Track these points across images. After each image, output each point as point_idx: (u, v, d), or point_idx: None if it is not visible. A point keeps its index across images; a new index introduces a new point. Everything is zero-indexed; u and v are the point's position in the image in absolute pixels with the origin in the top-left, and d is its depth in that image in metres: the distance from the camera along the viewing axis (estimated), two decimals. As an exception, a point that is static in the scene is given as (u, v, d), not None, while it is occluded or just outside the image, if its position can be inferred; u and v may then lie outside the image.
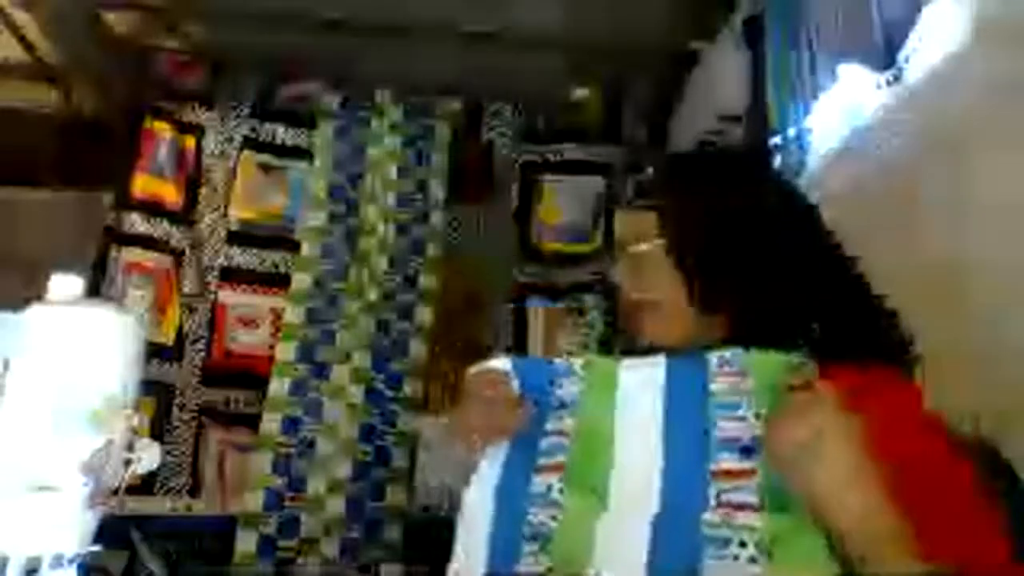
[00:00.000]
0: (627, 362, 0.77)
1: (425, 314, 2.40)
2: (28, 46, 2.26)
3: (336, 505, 2.15)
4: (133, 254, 2.35)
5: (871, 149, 1.45)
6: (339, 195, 2.47)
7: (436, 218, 2.50)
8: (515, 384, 0.79)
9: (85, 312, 0.64)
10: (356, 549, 2.13)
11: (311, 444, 2.19)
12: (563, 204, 2.56)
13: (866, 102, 1.48)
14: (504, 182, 2.57)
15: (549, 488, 0.72)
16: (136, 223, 2.36)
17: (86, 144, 2.54)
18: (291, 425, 2.20)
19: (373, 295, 2.38)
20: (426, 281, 2.43)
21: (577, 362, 0.80)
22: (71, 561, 0.59)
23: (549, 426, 0.76)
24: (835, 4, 1.57)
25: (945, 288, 1.17)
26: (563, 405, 0.77)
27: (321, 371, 2.27)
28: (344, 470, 2.19)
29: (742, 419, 0.68)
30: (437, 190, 2.52)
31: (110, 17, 2.34)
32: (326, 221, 2.44)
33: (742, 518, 0.63)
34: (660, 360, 0.75)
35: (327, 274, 2.38)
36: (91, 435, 0.60)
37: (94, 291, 2.17)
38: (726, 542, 0.62)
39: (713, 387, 0.71)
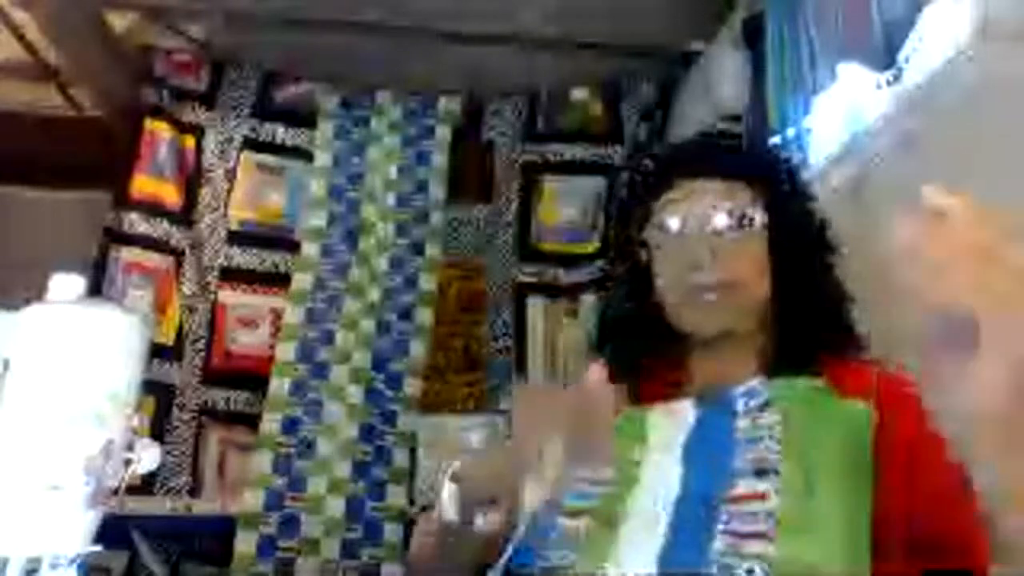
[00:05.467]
0: (659, 409, 0.76)
1: (425, 314, 2.40)
2: (28, 46, 2.26)
3: (336, 505, 2.15)
4: (133, 254, 2.35)
5: (871, 152, 1.45)
6: (339, 195, 2.47)
7: (436, 218, 2.50)
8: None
9: (86, 311, 0.64)
10: (356, 549, 2.13)
11: (311, 444, 2.19)
12: (563, 204, 2.56)
13: (866, 104, 1.48)
14: (504, 182, 2.57)
15: (577, 528, 0.71)
16: (136, 223, 2.36)
17: (86, 144, 2.54)
18: (291, 425, 2.20)
19: (373, 295, 2.38)
20: (426, 281, 2.43)
21: (618, 418, 0.78)
22: (71, 561, 0.59)
23: (583, 473, 0.76)
24: (835, 4, 1.57)
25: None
26: None
27: (321, 371, 2.27)
28: (344, 470, 2.19)
29: (764, 448, 0.68)
30: (437, 190, 2.52)
31: (110, 17, 2.35)
32: (326, 221, 2.44)
33: (751, 546, 0.62)
34: (688, 405, 0.74)
35: (327, 274, 2.38)
36: (94, 434, 0.60)
37: (94, 291, 2.17)
38: (731, 569, 0.61)
39: (739, 426, 0.70)
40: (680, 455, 0.71)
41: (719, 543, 0.62)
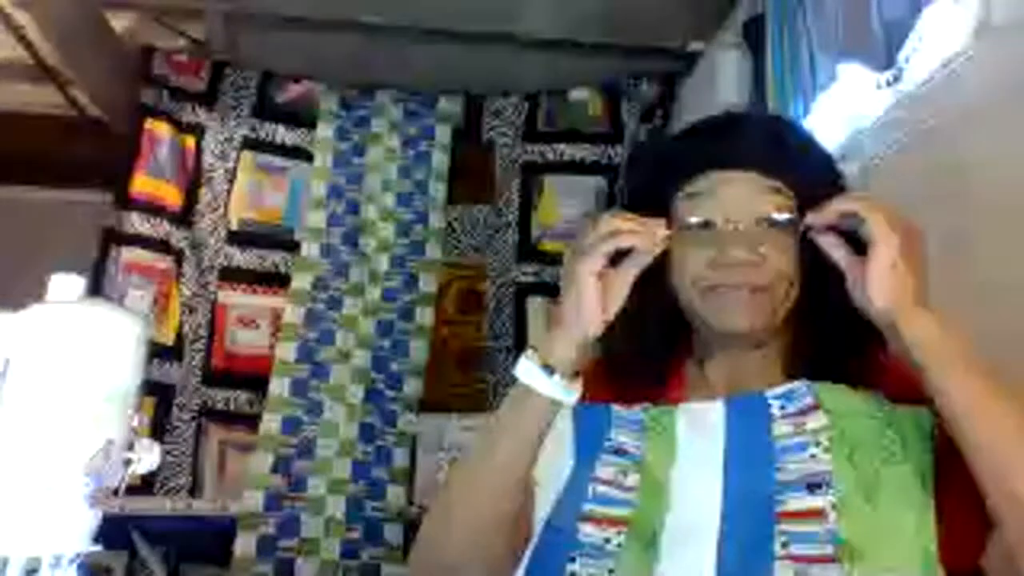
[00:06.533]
0: (685, 408, 0.71)
1: (425, 314, 2.40)
2: (28, 46, 2.26)
3: (336, 505, 2.15)
4: (133, 254, 2.35)
5: (871, 152, 1.45)
6: (339, 195, 2.47)
7: (436, 218, 2.50)
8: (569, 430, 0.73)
9: (86, 311, 0.64)
10: (356, 549, 2.13)
11: (311, 444, 2.19)
12: (563, 204, 2.56)
13: (866, 103, 1.48)
14: (504, 182, 2.57)
15: (607, 540, 0.65)
16: (136, 223, 2.36)
17: (86, 144, 2.54)
18: (291, 425, 2.20)
19: (373, 295, 2.38)
20: (426, 281, 2.43)
21: (641, 413, 0.73)
22: (71, 561, 0.59)
23: (601, 473, 0.70)
24: (835, 4, 1.57)
25: (946, 290, 1.17)
26: (620, 452, 0.70)
27: (321, 371, 2.27)
28: (344, 470, 2.19)
29: (811, 457, 0.63)
30: (437, 190, 2.52)
31: (110, 17, 2.35)
32: (326, 221, 2.44)
33: (817, 573, 0.56)
34: (718, 406, 0.69)
35: (327, 274, 2.38)
36: (94, 435, 0.60)
37: (94, 291, 2.17)
38: None
39: (776, 431, 0.65)
40: (718, 463, 0.66)
41: (782, 571, 0.58)
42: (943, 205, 1.24)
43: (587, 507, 0.67)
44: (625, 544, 0.64)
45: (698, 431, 0.68)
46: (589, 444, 0.72)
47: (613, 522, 0.66)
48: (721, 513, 0.62)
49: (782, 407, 0.67)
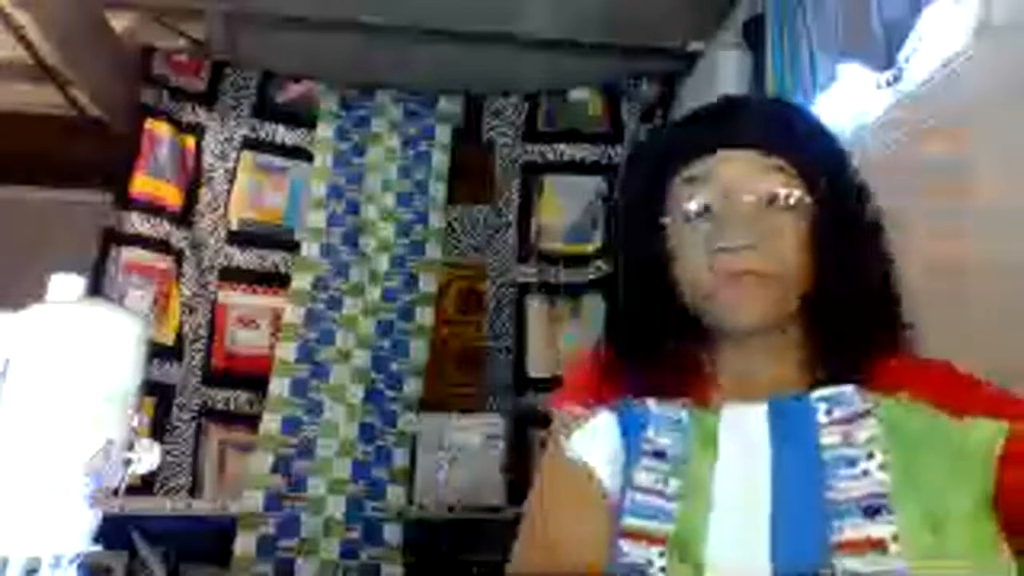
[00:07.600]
0: (725, 412, 0.63)
1: (425, 314, 2.40)
2: (28, 46, 2.26)
3: (336, 505, 2.15)
4: (133, 254, 2.35)
5: (871, 152, 1.45)
6: (339, 195, 2.47)
7: (436, 218, 2.50)
8: (614, 439, 0.64)
9: (86, 311, 0.64)
10: (356, 549, 2.13)
11: (311, 444, 2.19)
12: (563, 204, 2.56)
13: (866, 103, 1.48)
14: (504, 182, 2.57)
15: (649, 562, 0.58)
16: (136, 223, 2.36)
17: (86, 144, 2.54)
18: (291, 425, 2.20)
19: (373, 295, 2.38)
20: (426, 281, 2.43)
21: (682, 412, 0.65)
22: (71, 561, 0.59)
23: (642, 479, 0.62)
24: (835, 4, 1.57)
25: (945, 290, 1.17)
26: (660, 456, 0.63)
27: (321, 371, 2.27)
28: (344, 470, 2.19)
29: (864, 474, 0.56)
30: (437, 190, 2.52)
31: (110, 17, 2.35)
32: (326, 221, 2.44)
33: None
34: (761, 412, 0.61)
35: (327, 274, 2.38)
36: (94, 435, 0.60)
37: (94, 291, 2.17)
38: None
39: (824, 441, 0.58)
40: (766, 478, 0.58)
41: None
42: (943, 205, 1.24)
43: (625, 521, 0.61)
44: (668, 568, 0.58)
45: (741, 436, 0.61)
46: (630, 447, 0.64)
47: (651, 539, 0.59)
48: (772, 538, 0.55)
49: (828, 411, 0.60)
